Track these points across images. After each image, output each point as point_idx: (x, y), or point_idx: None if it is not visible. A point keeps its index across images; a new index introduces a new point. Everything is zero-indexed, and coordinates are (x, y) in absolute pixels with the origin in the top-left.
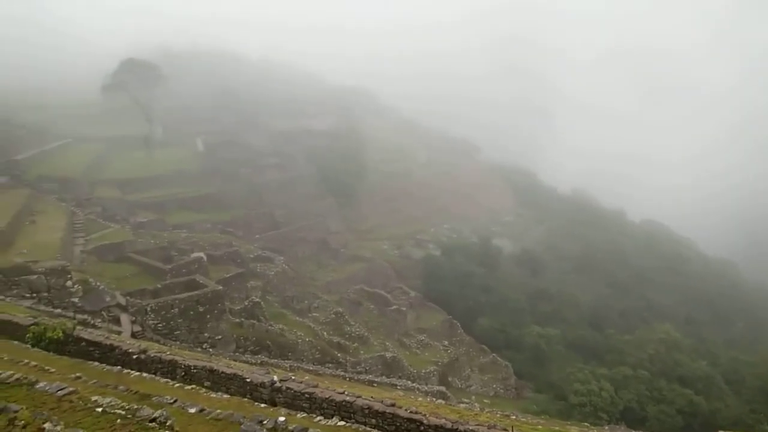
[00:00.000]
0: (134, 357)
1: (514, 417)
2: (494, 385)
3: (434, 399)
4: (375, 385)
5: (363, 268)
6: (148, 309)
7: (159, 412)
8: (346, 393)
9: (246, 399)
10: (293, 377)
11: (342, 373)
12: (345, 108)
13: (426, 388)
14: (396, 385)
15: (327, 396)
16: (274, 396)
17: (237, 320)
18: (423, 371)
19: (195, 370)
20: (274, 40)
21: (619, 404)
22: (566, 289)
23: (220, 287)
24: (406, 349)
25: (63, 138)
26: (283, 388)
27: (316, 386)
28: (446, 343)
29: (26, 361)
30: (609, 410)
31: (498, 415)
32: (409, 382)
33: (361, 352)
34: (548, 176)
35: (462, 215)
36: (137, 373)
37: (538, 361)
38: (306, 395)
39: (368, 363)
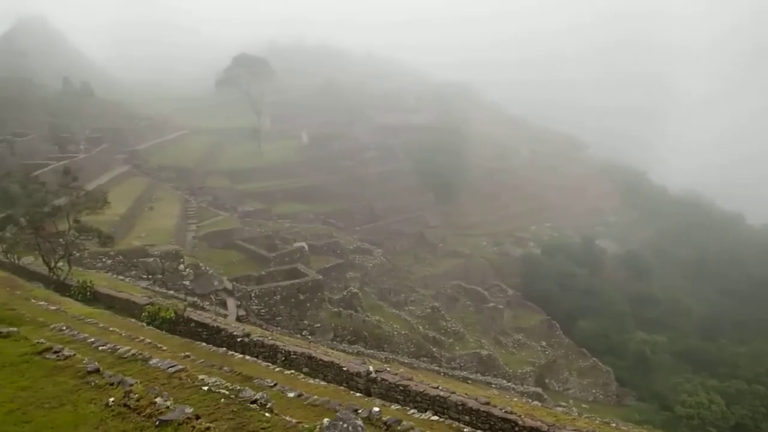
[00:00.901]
0: (238, 340)
1: (614, 425)
2: (594, 391)
3: (530, 400)
4: (469, 382)
5: (460, 263)
6: (252, 295)
7: (260, 394)
8: (440, 388)
9: (342, 387)
10: (388, 369)
11: (436, 368)
12: (446, 102)
13: (521, 388)
14: (491, 384)
15: (421, 390)
16: (369, 386)
17: (335, 309)
18: (519, 371)
19: (294, 356)
20: (377, 36)
21: (730, 419)
22: (675, 296)
23: (320, 277)
24: (502, 348)
25: (180, 129)
26: (378, 378)
27: (410, 379)
28: (544, 344)
29: (141, 338)
30: (719, 425)
31: (597, 422)
32: (505, 381)
33: (457, 348)
34: (659, 174)
35: (564, 214)
36: (240, 356)
37: (642, 368)
38: (400, 387)
39: (463, 359)
